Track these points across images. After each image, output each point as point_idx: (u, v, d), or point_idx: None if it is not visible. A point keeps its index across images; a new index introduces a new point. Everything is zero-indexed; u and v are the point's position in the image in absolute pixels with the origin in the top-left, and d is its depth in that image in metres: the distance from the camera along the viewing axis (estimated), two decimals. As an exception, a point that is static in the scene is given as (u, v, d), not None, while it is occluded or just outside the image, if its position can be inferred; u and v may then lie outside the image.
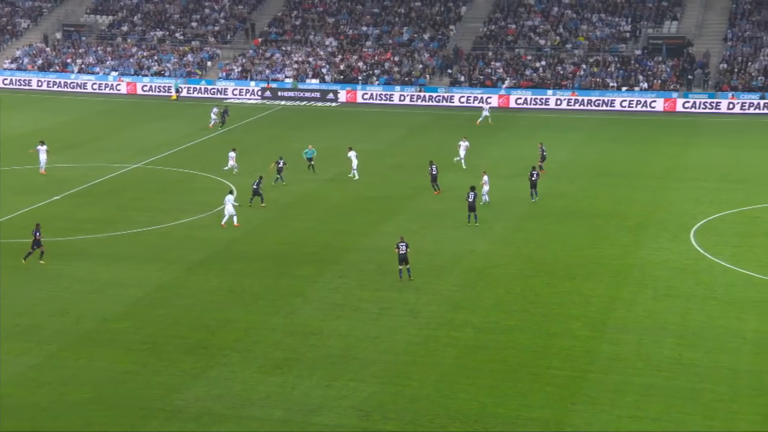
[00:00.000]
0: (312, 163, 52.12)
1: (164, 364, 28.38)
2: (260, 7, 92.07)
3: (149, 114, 73.80)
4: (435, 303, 33.37)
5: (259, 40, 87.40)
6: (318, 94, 79.25)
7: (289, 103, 78.48)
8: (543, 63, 78.46)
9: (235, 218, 42.22)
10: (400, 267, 35.33)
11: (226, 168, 52.68)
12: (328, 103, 77.96)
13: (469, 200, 41.92)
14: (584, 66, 77.35)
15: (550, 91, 74.94)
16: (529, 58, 79.37)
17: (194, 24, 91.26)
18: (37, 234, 37.10)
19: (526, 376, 27.61)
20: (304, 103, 77.86)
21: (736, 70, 73.46)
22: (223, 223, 42.28)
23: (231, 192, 42.87)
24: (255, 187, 45.32)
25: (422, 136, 64.31)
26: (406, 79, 79.63)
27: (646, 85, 74.25)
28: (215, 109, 68.01)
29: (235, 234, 41.51)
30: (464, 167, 50.48)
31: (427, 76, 79.70)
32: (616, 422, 24.90)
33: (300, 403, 26.02)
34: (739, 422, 24.81)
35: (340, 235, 41.32)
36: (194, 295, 34.21)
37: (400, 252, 35.12)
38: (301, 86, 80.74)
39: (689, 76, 73.42)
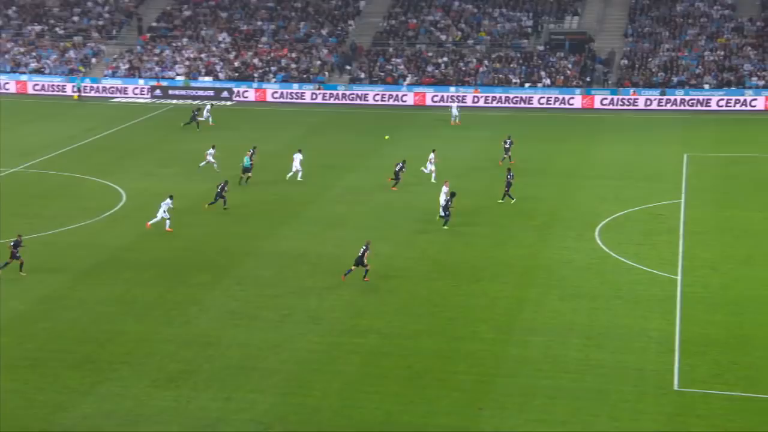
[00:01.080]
0: (248, 175, 49.68)
1: (48, 381, 27.55)
2: (148, 1, 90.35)
3: (33, 114, 71.51)
4: (338, 309, 33.37)
5: (147, 35, 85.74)
6: (212, 92, 78.27)
7: (180, 102, 77.25)
8: (445, 59, 79.46)
9: (168, 222, 41.72)
10: (353, 268, 35.38)
11: (203, 164, 52.31)
12: (223, 102, 77.10)
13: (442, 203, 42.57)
14: (486, 62, 78.68)
15: (452, 88, 75.91)
16: (430, 54, 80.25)
17: (76, 18, 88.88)
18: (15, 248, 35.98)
19: (432, 381, 27.87)
20: (197, 102, 76.75)
21: (636, 66, 75.90)
22: (149, 223, 41.87)
23: (170, 197, 42.43)
24: (219, 190, 44.94)
25: (322, 135, 64.25)
26: (304, 76, 79.43)
27: (548, 81, 75.99)
28: (208, 106, 67.57)
29: (124, 241, 40.61)
30: (434, 180, 49.43)
31: (326, 73, 79.70)
32: (524, 426, 25.40)
33: (196, 418, 25.63)
34: (645, 422, 25.63)
35: (237, 240, 40.91)
36: (81, 307, 33.32)
37: (359, 254, 35.30)
38: (193, 84, 79.60)
39: (588, 78, 75.33)
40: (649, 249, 39.71)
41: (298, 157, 51.09)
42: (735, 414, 25.91)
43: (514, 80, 76.53)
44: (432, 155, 50.99)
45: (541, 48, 79.40)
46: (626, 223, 43.39)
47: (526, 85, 75.93)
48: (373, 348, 30.23)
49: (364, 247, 35.71)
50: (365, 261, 35.46)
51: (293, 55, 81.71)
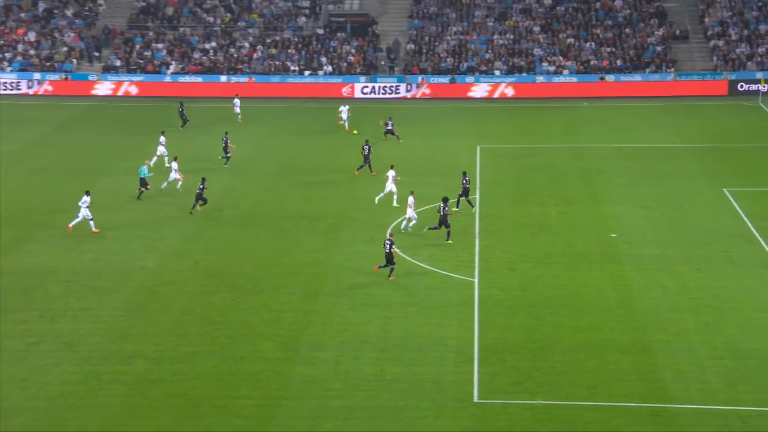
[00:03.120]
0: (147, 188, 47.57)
1: None
2: None
3: None
4: (97, 332, 32.40)
5: None
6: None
7: None
8: (213, 44, 78.70)
9: (91, 223, 41.17)
10: (382, 265, 37.27)
11: (157, 158, 52.55)
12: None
13: (441, 213, 41.44)
14: (261, 47, 78.66)
15: (223, 77, 75.32)
16: (195, 37, 79.22)
17: None
18: None
19: (210, 409, 27.60)
20: None
21: (424, 51, 78.28)
22: (70, 225, 41.89)
23: (87, 193, 41.73)
24: (199, 191, 45.18)
25: (71, 133, 61.98)
26: (48, 64, 76.23)
27: (330, 68, 76.97)
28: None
29: None
30: (396, 204, 47.46)
31: (74, 60, 76.85)
32: (316, 453, 25.63)
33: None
34: (446, 438, 26.54)
35: (-28, 258, 38.74)
36: None
37: (386, 251, 37.02)
38: None
39: (380, 62, 77.01)
40: (444, 250, 41.03)
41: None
42: (537, 423, 27.28)
43: (292, 67, 76.93)
44: (391, 172, 47.05)
45: (320, 31, 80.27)
46: (419, 223, 44.57)
47: (306, 72, 76.56)
48: (141, 375, 29.56)
49: (388, 242, 37.12)
50: (393, 257, 36.95)
51: (31, 38, 78.17)
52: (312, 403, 28.19)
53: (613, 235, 42.37)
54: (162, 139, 53.98)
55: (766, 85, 69.72)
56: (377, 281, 37.44)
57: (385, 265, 37.54)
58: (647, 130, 62.17)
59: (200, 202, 45.39)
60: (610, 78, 73.82)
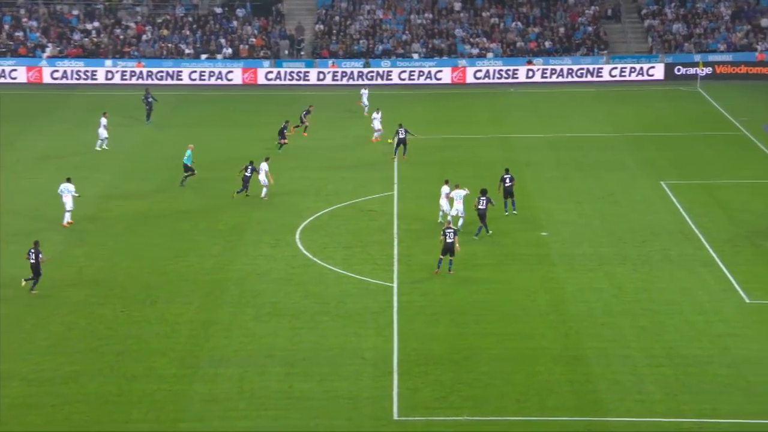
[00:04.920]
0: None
1: None
2: None
3: None
4: (-33, 352, 31.73)
5: None
6: None
7: None
8: (96, 24, 77.55)
9: (68, 215, 42.87)
10: (442, 257, 37.96)
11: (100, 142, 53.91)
12: None
13: (480, 207, 41.43)
14: (150, 28, 77.79)
15: (108, 61, 74.28)
16: (74, 14, 77.95)
17: None
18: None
19: (99, 436, 27.26)
20: None
21: (334, 32, 78.31)
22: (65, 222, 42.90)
23: (68, 180, 42.10)
24: (248, 175, 47.07)
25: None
26: None
27: (230, 51, 76.48)
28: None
29: None
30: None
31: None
32: (219, 481, 25.49)
33: None
34: (363, 460, 26.63)
35: None
36: None
37: (448, 240, 37.58)
38: None
39: (284, 51, 76.60)
40: (359, 252, 41.14)
41: (264, 168, 46.98)
42: (463, 441, 27.57)
43: (187, 50, 76.26)
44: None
45: (218, 10, 79.73)
46: (331, 223, 44.67)
47: (203, 56, 75.96)
48: (16, 399, 29.14)
49: (452, 231, 37.75)
50: (457, 246, 37.83)
51: None
52: (213, 425, 28.02)
53: (544, 234, 42.96)
54: (103, 120, 54.48)
55: (704, 68, 71.45)
56: (284, 288, 37.38)
57: (443, 258, 38.19)
58: (579, 118, 63.24)
59: (245, 190, 47.13)
60: (538, 61, 74.84)
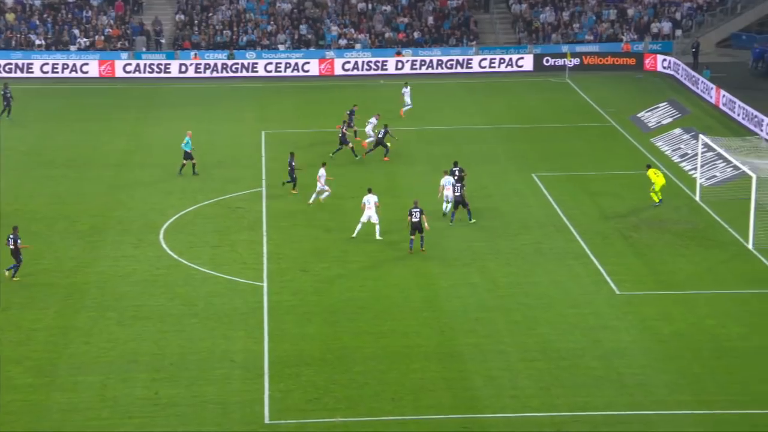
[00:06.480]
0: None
1: None
2: None
3: None
4: None
5: None
6: None
7: None
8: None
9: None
10: (412, 237, 39.74)
11: None
12: None
13: (414, 220, 40.30)
14: (-4, 15, 75.88)
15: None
16: None
17: None
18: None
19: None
20: None
21: (196, 22, 77.43)
22: None
23: None
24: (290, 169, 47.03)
25: None
26: None
27: (86, 42, 75.01)
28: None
29: None
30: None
31: None
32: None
33: None
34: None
35: None
36: None
37: (413, 219, 39.25)
38: None
39: (141, 47, 75.26)
40: (227, 251, 40.91)
41: None
42: (338, 443, 27.67)
43: (37, 42, 74.50)
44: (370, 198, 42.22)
45: (71, -1, 78.17)
46: (197, 221, 44.30)
47: (55, 48, 74.35)
48: None
49: (418, 211, 39.44)
50: (425, 224, 39.57)
51: None
52: (75, 436, 27.60)
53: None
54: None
55: (572, 59, 73.06)
56: (149, 290, 36.93)
57: (413, 238, 39.95)
58: (450, 110, 63.91)
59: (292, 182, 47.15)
60: (407, 52, 75.37)
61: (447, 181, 44.20)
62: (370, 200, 41.71)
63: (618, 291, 37.39)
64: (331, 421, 28.56)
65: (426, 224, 39.95)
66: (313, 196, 45.39)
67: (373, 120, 54.86)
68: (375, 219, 41.62)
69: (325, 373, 31.20)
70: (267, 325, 34.40)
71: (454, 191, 43.50)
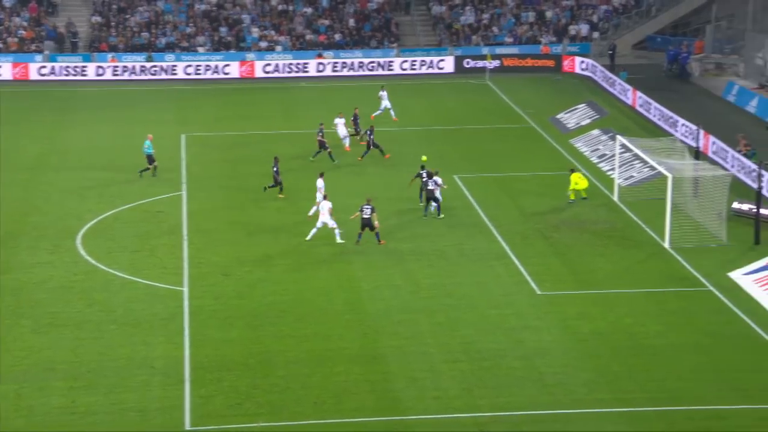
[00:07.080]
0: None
1: None
2: None
3: None
4: None
5: None
6: None
7: None
8: None
9: None
10: (361, 231, 40.94)
11: None
12: None
13: (365, 216, 41.14)
14: None
15: None
16: None
17: None
18: None
19: None
20: None
21: (113, 24, 76.54)
22: None
23: None
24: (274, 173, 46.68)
25: None
26: None
27: (1, 45, 73.95)
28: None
29: None
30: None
31: None
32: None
33: None
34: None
35: None
36: None
37: (364, 216, 40.50)
38: None
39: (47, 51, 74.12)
40: (147, 256, 40.57)
41: None
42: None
43: (-50, 43, 73.28)
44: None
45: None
46: (116, 226, 43.89)
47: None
48: None
49: (369, 208, 40.47)
50: (375, 222, 40.67)
51: None
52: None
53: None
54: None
55: (492, 61, 73.60)
56: (66, 297, 36.47)
57: (362, 233, 40.99)
58: (371, 112, 63.93)
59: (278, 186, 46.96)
60: (328, 54, 75.32)
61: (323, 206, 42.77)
62: (324, 206, 41.68)
63: (539, 291, 37.75)
64: (252, 427, 28.41)
65: (376, 222, 40.68)
66: (314, 208, 43.75)
67: (338, 120, 54.88)
68: (332, 224, 41.52)
69: (247, 377, 31.05)
70: (188, 331, 34.16)
71: (426, 186, 44.62)
